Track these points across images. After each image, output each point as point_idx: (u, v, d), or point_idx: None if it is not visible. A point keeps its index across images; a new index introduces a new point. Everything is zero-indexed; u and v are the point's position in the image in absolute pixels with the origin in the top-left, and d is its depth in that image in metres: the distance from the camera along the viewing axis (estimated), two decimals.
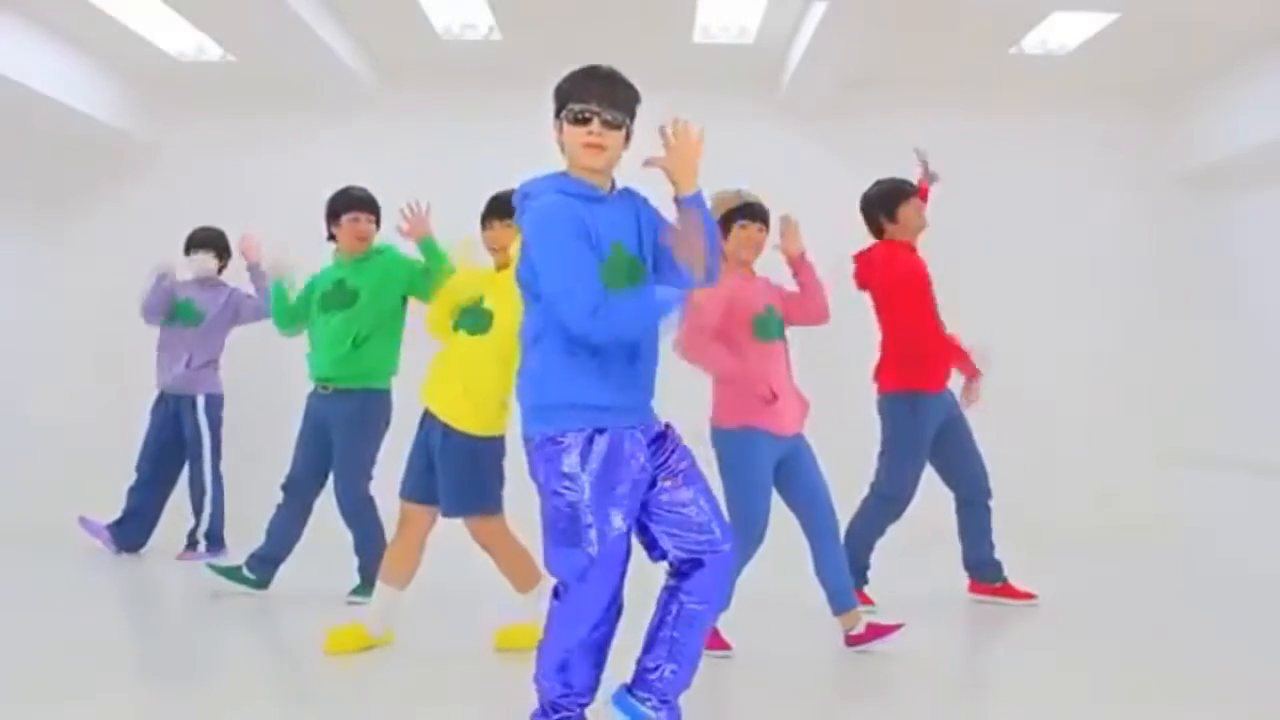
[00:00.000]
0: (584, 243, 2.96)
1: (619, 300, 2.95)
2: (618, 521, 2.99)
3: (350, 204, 5.23)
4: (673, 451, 3.13)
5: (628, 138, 3.07)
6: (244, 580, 5.22)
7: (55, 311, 7.98)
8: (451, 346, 4.34)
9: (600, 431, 3.00)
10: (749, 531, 4.14)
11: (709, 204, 3.18)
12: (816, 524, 4.34)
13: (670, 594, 3.09)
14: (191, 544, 6.31)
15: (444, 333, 4.44)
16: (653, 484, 3.07)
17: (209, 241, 6.51)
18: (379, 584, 4.39)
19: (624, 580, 3.06)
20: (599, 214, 3.03)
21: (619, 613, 3.09)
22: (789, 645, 4.49)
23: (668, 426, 3.18)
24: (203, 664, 4.38)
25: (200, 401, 6.36)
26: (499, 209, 4.36)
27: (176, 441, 6.42)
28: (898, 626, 4.33)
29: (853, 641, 4.35)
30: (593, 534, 2.97)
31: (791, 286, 4.53)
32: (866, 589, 5.12)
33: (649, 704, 3.06)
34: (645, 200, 3.19)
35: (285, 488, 5.27)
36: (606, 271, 2.98)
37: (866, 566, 5.19)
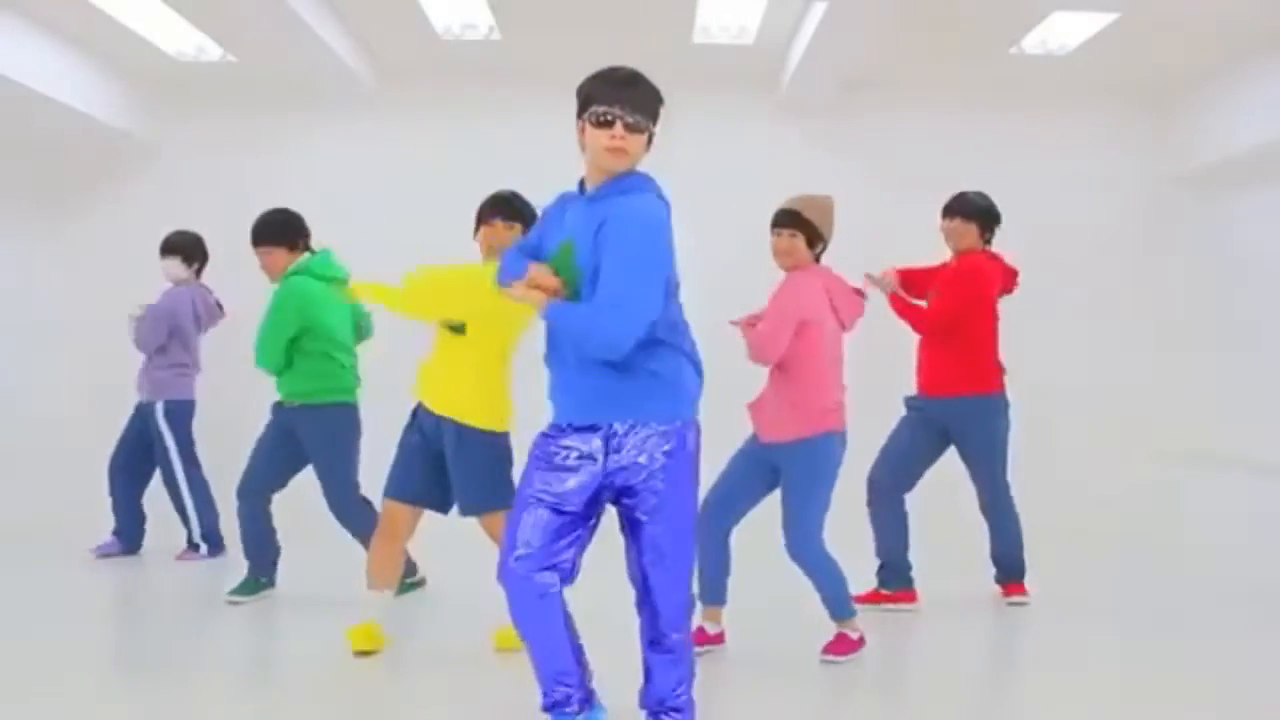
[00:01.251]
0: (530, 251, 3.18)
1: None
2: (541, 534, 3.03)
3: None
4: (637, 474, 3.06)
5: (649, 141, 3.07)
6: (260, 586, 5.25)
7: (54, 311, 7.98)
8: (446, 346, 4.27)
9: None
10: (711, 503, 4.27)
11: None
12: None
13: (649, 629, 3.16)
14: (192, 546, 6.30)
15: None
16: (625, 493, 3.08)
17: (177, 247, 6.44)
18: (370, 594, 4.34)
19: (563, 586, 3.06)
20: (566, 213, 3.13)
21: (566, 608, 3.10)
22: (788, 645, 4.48)
23: (663, 435, 3.08)
24: (202, 664, 4.37)
25: (160, 408, 6.29)
26: (502, 208, 4.31)
27: (140, 445, 6.39)
28: (857, 647, 4.32)
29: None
30: (515, 544, 3.05)
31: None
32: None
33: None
34: (621, 214, 2.99)
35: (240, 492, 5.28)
36: (552, 264, 3.09)
37: (887, 564, 5.22)
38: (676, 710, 3.17)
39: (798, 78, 7.48)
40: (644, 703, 3.21)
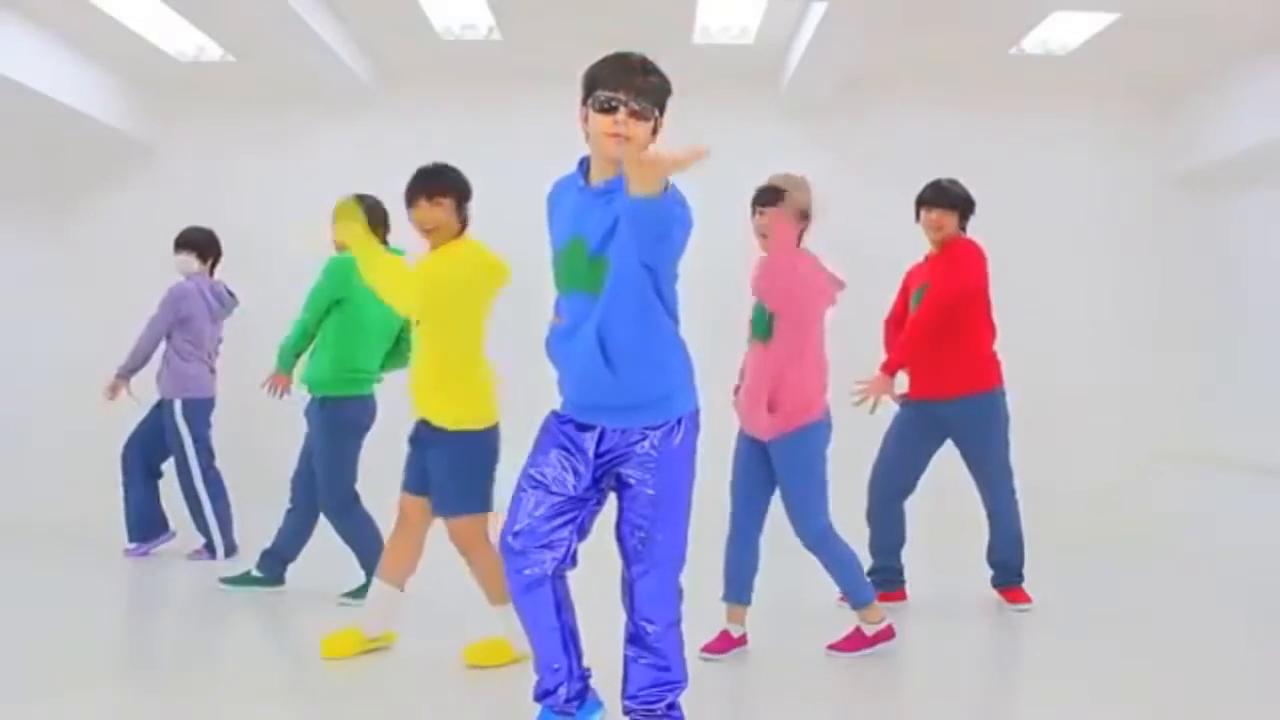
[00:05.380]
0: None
1: None
2: (537, 512, 3.05)
3: None
4: (630, 459, 3.09)
5: (656, 129, 2.99)
6: (259, 581, 5.27)
7: (55, 311, 7.98)
8: (417, 341, 4.17)
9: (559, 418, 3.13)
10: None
11: None
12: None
13: (628, 622, 3.15)
14: (208, 548, 6.25)
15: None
16: (624, 485, 3.11)
17: (191, 242, 6.43)
18: (376, 582, 4.31)
19: (560, 568, 3.07)
20: (573, 204, 3.07)
21: (565, 596, 3.11)
22: (793, 644, 4.49)
23: (662, 431, 3.09)
24: (203, 664, 4.38)
25: (179, 406, 6.21)
26: (426, 184, 4.31)
27: (152, 440, 6.39)
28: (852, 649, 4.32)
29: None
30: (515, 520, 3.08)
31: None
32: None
33: None
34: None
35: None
36: (560, 261, 3.07)
37: (879, 568, 5.19)
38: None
39: (798, 77, 7.48)
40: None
